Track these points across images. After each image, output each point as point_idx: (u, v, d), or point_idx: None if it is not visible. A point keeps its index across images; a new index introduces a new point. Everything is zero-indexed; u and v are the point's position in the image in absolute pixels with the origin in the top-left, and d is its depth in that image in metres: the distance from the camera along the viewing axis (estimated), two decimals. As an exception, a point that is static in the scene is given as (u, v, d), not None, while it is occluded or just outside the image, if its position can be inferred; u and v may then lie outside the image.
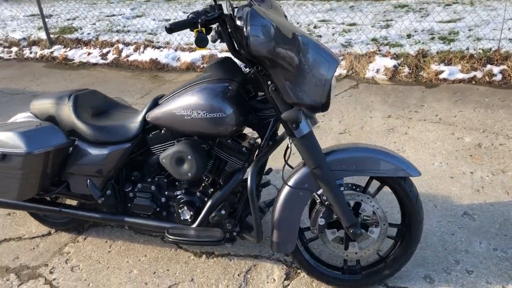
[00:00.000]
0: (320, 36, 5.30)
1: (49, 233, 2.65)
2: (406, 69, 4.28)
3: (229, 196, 2.11)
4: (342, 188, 1.94)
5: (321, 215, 1.94)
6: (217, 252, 2.37)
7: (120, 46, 5.56)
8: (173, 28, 1.62)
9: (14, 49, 6.22)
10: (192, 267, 2.28)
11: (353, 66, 4.48)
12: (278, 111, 1.86)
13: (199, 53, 5.15)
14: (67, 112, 2.25)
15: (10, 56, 6.20)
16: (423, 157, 3.01)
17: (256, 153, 2.08)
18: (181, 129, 2.00)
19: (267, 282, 2.15)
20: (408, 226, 1.99)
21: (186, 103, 1.95)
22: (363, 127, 3.48)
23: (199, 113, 1.93)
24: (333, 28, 5.40)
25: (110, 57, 5.53)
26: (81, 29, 6.34)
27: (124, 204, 2.28)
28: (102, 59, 5.58)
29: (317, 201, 1.95)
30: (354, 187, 2.02)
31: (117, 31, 5.99)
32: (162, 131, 2.12)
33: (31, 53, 6.07)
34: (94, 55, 5.64)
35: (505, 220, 2.39)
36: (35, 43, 6.19)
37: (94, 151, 2.20)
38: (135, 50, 5.45)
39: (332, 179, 1.87)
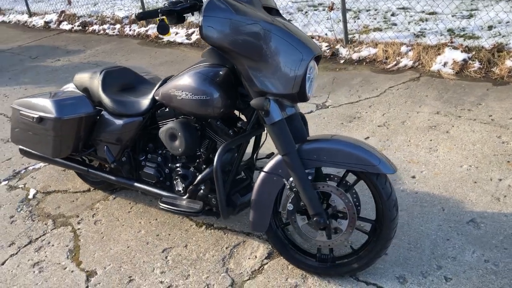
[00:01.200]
0: (395, 25, 5.09)
1: (89, 190, 3.05)
2: (477, 64, 3.98)
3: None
4: (310, 177, 1.98)
5: (290, 200, 2.02)
6: (216, 225, 2.55)
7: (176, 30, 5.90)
8: (141, 16, 1.81)
9: (118, 26, 6.92)
10: (190, 235, 2.49)
11: (420, 58, 4.27)
12: (250, 98, 1.96)
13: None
14: (96, 86, 2.57)
15: (113, 32, 6.91)
16: (453, 158, 2.85)
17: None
18: (177, 108, 2.19)
19: (249, 258, 2.28)
20: (379, 223, 1.98)
21: (179, 84, 2.14)
22: (404, 122, 3.36)
23: (186, 95, 2.10)
24: (411, 17, 5.14)
25: (194, 37, 5.90)
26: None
27: (136, 171, 2.56)
28: (186, 39, 5.97)
29: (287, 187, 2.02)
30: (327, 178, 2.06)
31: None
32: (167, 109, 2.34)
33: (130, 30, 6.71)
34: (180, 35, 6.07)
35: (513, 233, 2.22)
36: (134, 21, 6.81)
37: (113, 122, 2.49)
38: (187, 36, 5.75)
39: (299, 167, 1.93)
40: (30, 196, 3.07)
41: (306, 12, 5.73)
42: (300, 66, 1.84)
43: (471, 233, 2.25)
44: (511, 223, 2.27)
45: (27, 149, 2.80)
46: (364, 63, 4.58)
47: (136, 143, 2.54)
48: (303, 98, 1.94)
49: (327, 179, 2.09)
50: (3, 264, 2.47)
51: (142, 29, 6.55)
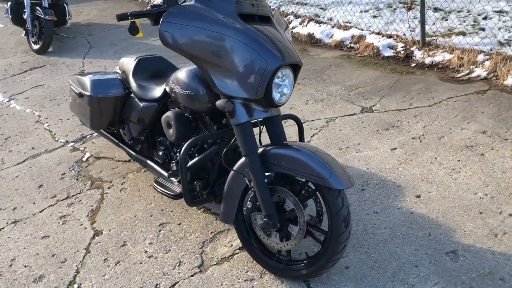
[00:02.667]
0: (483, 30, 4.65)
1: (129, 161, 3.44)
2: (557, 83, 3.54)
3: (206, 163, 2.44)
4: (266, 180, 2.06)
5: (249, 199, 2.13)
6: (213, 210, 2.75)
7: (291, 18, 5.98)
8: (119, 17, 2.03)
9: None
10: (187, 215, 2.73)
11: (496, 69, 3.90)
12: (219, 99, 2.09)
13: (350, 32, 5.19)
14: (128, 70, 2.89)
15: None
16: (472, 183, 2.66)
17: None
18: (175, 99, 2.41)
19: (225, 246, 2.45)
20: (329, 236, 2.00)
21: (176, 78, 2.35)
22: (442, 137, 3.17)
23: (178, 88, 2.31)
24: (504, 22, 4.65)
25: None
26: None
27: (151, 151, 2.85)
28: (274, 27, 6.13)
29: (249, 186, 2.12)
30: (285, 184, 2.12)
31: (297, 3, 6.41)
32: (174, 98, 2.57)
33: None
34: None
35: (490, 273, 2.06)
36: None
37: (136, 104, 2.80)
38: (300, 23, 5.81)
39: (257, 168, 2.03)
40: (84, 159, 3.56)
41: (394, 9, 5.50)
42: (264, 73, 1.93)
43: (444, 264, 2.14)
44: (493, 263, 2.11)
45: (78, 118, 3.27)
46: (436, 69, 4.32)
47: (155, 125, 2.82)
48: (271, 104, 2.03)
49: (298, 184, 2.15)
50: (41, 212, 2.96)
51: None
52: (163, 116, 2.48)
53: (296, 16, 5.96)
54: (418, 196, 2.62)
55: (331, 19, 5.72)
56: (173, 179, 2.56)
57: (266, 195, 2.04)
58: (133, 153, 2.93)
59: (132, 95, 2.87)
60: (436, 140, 3.16)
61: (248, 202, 2.13)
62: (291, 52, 2.03)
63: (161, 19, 1.94)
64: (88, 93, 2.84)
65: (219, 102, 2.02)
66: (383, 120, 3.52)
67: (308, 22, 5.71)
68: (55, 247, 2.61)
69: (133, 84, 2.82)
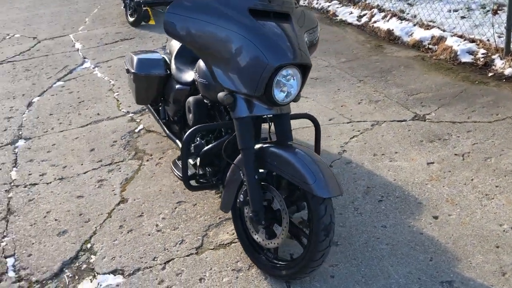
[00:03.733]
0: None
1: (173, 137, 3.63)
2: None
3: (218, 150, 2.50)
4: (256, 177, 2.07)
5: (242, 192, 2.16)
6: (228, 197, 2.83)
7: (375, 11, 5.75)
8: (136, 4, 2.13)
9: (309, -3, 7.25)
10: (204, 198, 2.83)
11: None
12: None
13: (431, 32, 4.87)
14: (173, 52, 3.03)
15: (304, 2, 7.27)
16: (501, 213, 2.43)
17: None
18: (197, 86, 2.50)
19: (227, 233, 2.53)
20: (309, 241, 1.98)
21: (198, 65, 2.43)
22: (489, 159, 2.91)
23: (197, 76, 2.40)
24: None
25: (363, 20, 5.83)
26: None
27: (182, 132, 2.98)
28: (357, 20, 5.93)
29: (243, 180, 2.15)
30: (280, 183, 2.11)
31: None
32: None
33: (317, 3, 6.96)
34: (353, 15, 6.05)
35: (480, 313, 1.90)
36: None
37: (172, 86, 2.94)
38: (383, 18, 5.56)
39: (250, 163, 2.06)
40: (136, 130, 3.82)
41: (488, 10, 5.03)
42: (265, 70, 1.93)
43: (434, 293, 2.01)
44: (488, 303, 1.94)
45: (132, 92, 3.51)
46: (514, 82, 3.92)
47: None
48: (273, 102, 2.03)
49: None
50: (84, 173, 3.26)
51: (326, 4, 6.73)
52: (187, 101, 2.59)
53: (380, 10, 5.72)
54: (436, 217, 2.46)
55: (415, 16, 5.41)
56: (190, 161, 2.67)
57: (254, 191, 2.07)
58: (167, 131, 3.09)
59: (172, 77, 3.01)
60: (481, 160, 2.91)
61: (241, 196, 2.17)
62: (299, 52, 2.01)
63: (167, 9, 2.01)
64: (133, 70, 3.03)
65: (220, 94, 2.06)
66: (431, 130, 3.31)
67: (391, 17, 5.45)
68: (84, 207, 2.87)
69: (173, 66, 2.95)
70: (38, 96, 4.72)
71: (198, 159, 2.47)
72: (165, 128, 3.12)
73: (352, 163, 3.02)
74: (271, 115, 2.20)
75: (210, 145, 2.45)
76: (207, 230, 2.57)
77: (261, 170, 2.11)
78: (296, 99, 2.25)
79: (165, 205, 2.81)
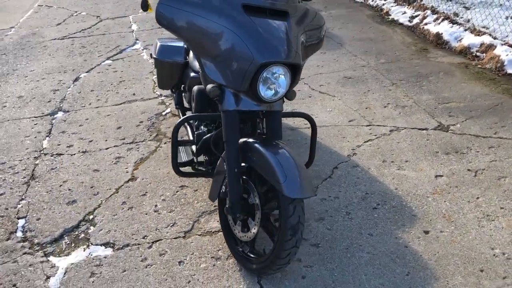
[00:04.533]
0: None
1: (194, 123, 3.74)
2: None
3: (214, 140, 2.56)
4: (236, 170, 2.12)
5: (224, 183, 2.22)
6: (229, 186, 2.89)
7: (428, 12, 5.51)
8: None
9: (366, -6, 7.06)
10: (207, 185, 2.92)
11: None
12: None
13: (481, 39, 4.60)
14: (193, 42, 3.12)
15: (358, 0, 7.12)
16: (497, 237, 2.32)
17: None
18: None
19: (217, 221, 2.60)
20: (276, 240, 2.00)
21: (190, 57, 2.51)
22: (502, 178, 2.75)
23: (198, 66, 2.46)
24: None
25: (414, 21, 5.61)
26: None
27: None
28: (408, 21, 5.72)
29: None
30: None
31: (444, -2, 5.84)
32: None
33: (372, 1, 6.77)
34: (405, 16, 5.84)
35: (440, 335, 1.84)
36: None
37: (188, 74, 3.04)
38: (434, 20, 5.32)
39: (231, 156, 2.11)
40: (164, 113, 3.97)
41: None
42: (250, 66, 1.97)
43: (399, 308, 1.97)
44: (452, 326, 1.88)
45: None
46: (558, 99, 3.64)
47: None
48: (258, 99, 2.06)
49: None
50: (106, 149, 3.46)
51: (381, 2, 6.54)
52: (192, 89, 2.67)
53: (434, 12, 5.48)
54: (426, 232, 2.39)
55: (468, 20, 5.13)
56: (193, 147, 2.76)
57: (233, 183, 2.12)
58: (181, 117, 3.20)
59: (189, 65, 3.11)
60: (494, 179, 2.76)
61: (223, 187, 2.23)
62: (289, 51, 2.02)
63: (159, 0, 2.07)
64: (154, 56, 3.16)
65: (208, 86, 2.12)
66: (451, 142, 3.17)
67: (442, 20, 5.21)
68: (97, 180, 3.06)
69: (190, 54, 3.05)
70: (86, 72, 5.01)
71: (194, 146, 2.55)
72: (181, 114, 3.23)
73: (358, 167, 2.98)
74: (264, 111, 2.23)
75: (208, 134, 2.52)
76: (200, 216, 2.66)
77: (243, 164, 2.15)
78: (289, 97, 2.27)
79: (169, 188, 2.92)
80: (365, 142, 3.26)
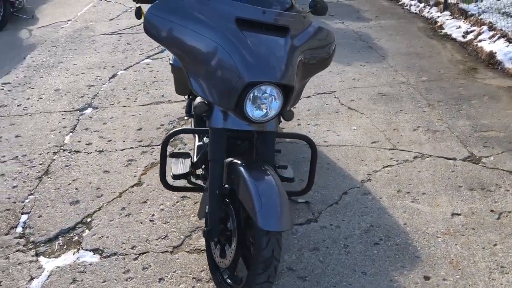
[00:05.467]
0: None
1: (213, 131, 3.66)
2: None
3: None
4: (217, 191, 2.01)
5: (207, 203, 2.11)
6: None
7: (484, 28, 5.10)
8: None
9: (421, 5, 6.68)
10: (208, 198, 2.83)
11: None
12: None
13: (537, 63, 4.19)
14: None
15: (415, 10, 6.73)
16: (506, 293, 2.05)
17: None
18: None
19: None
20: (248, 272, 1.88)
21: None
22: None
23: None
24: None
25: (468, 37, 5.22)
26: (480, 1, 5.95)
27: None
28: (462, 36, 5.33)
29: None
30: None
31: (504, 13, 5.37)
32: None
33: (428, 12, 6.39)
34: (459, 30, 5.44)
35: None
36: (436, 4, 6.42)
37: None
38: (490, 37, 4.92)
39: (214, 176, 2.02)
40: (185, 118, 3.92)
41: None
42: (236, 85, 1.86)
43: None
44: None
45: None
46: None
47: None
48: (246, 119, 1.94)
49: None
50: (122, 150, 3.46)
51: (437, 14, 6.16)
52: (195, 100, 2.59)
53: (491, 28, 5.07)
54: (427, 278, 2.16)
55: (527, 40, 4.69)
56: (189, 159, 2.67)
57: (213, 205, 2.02)
58: (192, 125, 3.13)
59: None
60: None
61: (207, 207, 2.13)
62: (280, 71, 1.89)
63: (148, 8, 1.99)
64: (171, 62, 3.11)
65: (196, 101, 2.03)
66: (478, 177, 2.88)
67: (499, 38, 4.80)
68: (104, 182, 3.06)
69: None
70: (124, 69, 5.09)
71: (189, 159, 2.47)
72: (192, 123, 3.17)
73: (369, 195, 2.77)
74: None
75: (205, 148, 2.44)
76: (193, 231, 2.57)
77: (226, 185, 2.04)
78: (286, 117, 2.13)
79: (170, 197, 2.87)
80: (383, 167, 3.04)
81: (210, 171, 2.03)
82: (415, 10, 6.72)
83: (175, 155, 2.57)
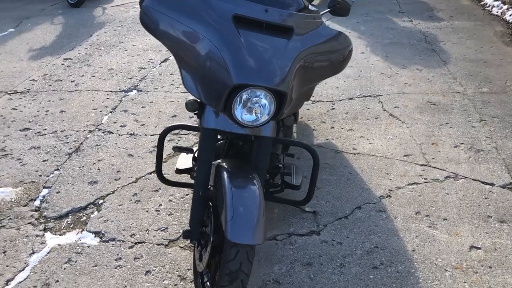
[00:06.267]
0: None
1: (243, 125, 3.60)
2: None
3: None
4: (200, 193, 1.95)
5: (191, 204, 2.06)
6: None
7: None
8: None
9: (505, 6, 6.07)
10: (217, 195, 2.79)
11: None
12: None
13: None
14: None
15: (497, 12, 6.13)
16: None
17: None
18: None
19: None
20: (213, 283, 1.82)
21: None
22: (560, 271, 2.14)
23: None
24: None
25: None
26: None
27: None
28: (542, 45, 4.78)
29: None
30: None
31: None
32: None
33: (510, 15, 5.79)
34: (541, 38, 4.88)
35: None
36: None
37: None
38: None
39: (199, 177, 1.96)
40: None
41: None
42: (224, 86, 1.78)
43: None
44: None
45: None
46: None
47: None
48: (236, 122, 1.86)
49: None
50: (151, 135, 3.51)
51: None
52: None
53: None
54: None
55: None
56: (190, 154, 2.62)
57: (194, 207, 1.98)
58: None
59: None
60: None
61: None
62: (272, 75, 1.78)
63: (145, 1, 1.95)
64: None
65: (188, 98, 1.98)
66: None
67: None
68: (125, 166, 3.12)
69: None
70: (177, 54, 5.15)
71: (192, 155, 2.43)
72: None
73: (383, 213, 2.57)
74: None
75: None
76: (193, 227, 2.54)
77: (212, 188, 1.98)
78: (286, 122, 2.02)
79: (182, 189, 2.86)
80: (408, 184, 2.81)
81: (196, 172, 1.98)
82: (497, 12, 6.13)
83: (178, 149, 2.55)
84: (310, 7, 2.08)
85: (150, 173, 3.04)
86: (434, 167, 2.96)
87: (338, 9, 2.29)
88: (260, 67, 1.78)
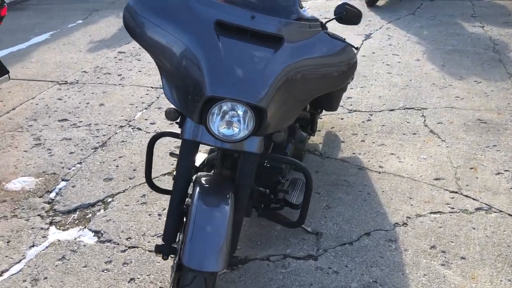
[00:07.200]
0: None
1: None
2: None
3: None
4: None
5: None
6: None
7: None
8: None
9: None
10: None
11: None
12: None
13: None
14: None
15: None
16: None
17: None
18: None
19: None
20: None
21: None
22: None
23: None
24: None
25: None
26: None
27: None
28: None
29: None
30: None
31: None
32: None
33: None
34: None
35: None
36: None
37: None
38: None
39: (176, 188, 1.88)
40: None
41: None
42: (198, 97, 1.68)
43: None
44: None
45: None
46: None
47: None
48: (213, 135, 1.74)
49: None
50: (177, 135, 3.47)
51: None
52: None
53: None
54: None
55: None
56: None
57: (169, 220, 1.88)
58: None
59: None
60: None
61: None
62: (249, 88, 1.64)
63: (128, 1, 1.86)
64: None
65: (168, 108, 1.88)
66: (551, 255, 2.20)
67: None
68: (142, 165, 3.11)
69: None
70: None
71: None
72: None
73: (393, 243, 2.32)
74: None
75: (213, 153, 2.29)
76: (189, 236, 2.46)
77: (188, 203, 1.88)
78: (275, 139, 1.88)
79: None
80: (431, 212, 2.52)
81: (173, 184, 1.89)
82: None
83: (175, 155, 2.47)
84: (307, 14, 1.90)
85: (164, 174, 3.01)
86: (466, 196, 2.63)
87: (346, 17, 2.08)
88: (237, 79, 1.64)
